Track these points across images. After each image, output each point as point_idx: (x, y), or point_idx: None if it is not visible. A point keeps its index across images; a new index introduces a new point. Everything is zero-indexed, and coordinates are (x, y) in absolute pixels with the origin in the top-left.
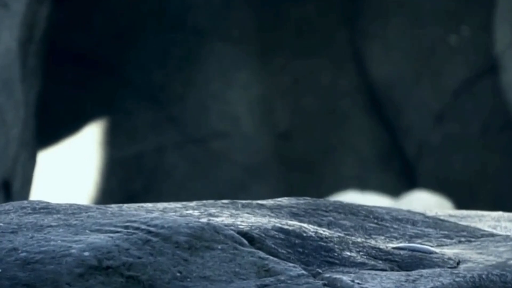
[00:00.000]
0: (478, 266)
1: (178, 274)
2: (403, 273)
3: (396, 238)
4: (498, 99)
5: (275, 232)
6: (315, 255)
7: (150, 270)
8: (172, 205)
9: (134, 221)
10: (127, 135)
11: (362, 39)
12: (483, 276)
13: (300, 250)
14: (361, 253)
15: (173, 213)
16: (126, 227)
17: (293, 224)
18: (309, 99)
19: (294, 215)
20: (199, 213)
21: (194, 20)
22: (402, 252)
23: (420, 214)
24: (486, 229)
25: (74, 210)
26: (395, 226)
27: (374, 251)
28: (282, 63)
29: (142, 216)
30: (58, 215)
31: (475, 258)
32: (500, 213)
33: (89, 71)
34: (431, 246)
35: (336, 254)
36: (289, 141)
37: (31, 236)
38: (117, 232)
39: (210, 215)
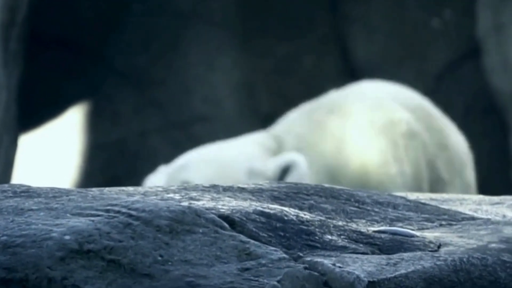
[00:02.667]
0: (459, 250)
1: (159, 258)
2: (384, 256)
3: (377, 222)
4: (481, 82)
5: (256, 216)
6: (296, 238)
7: (131, 254)
8: (153, 188)
9: (115, 205)
10: (110, 119)
11: (345, 23)
12: (464, 259)
13: (281, 233)
14: (342, 236)
15: (154, 197)
16: (107, 211)
17: (274, 207)
18: (292, 83)
19: (275, 199)
20: (180, 197)
21: (177, 4)
22: (383, 235)
23: (401, 197)
24: (467, 212)
25: (55, 193)
26: (376, 210)
27: (355, 235)
28: (265, 46)
29: (123, 200)
30: (39, 199)
31: (456, 241)
32: (481, 196)
33: (71, 55)
34: (412, 230)
35: (317, 237)
36: (272, 125)
37: (12, 220)
38: (98, 215)
39: (191, 198)
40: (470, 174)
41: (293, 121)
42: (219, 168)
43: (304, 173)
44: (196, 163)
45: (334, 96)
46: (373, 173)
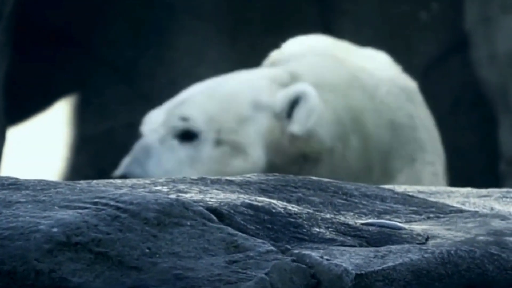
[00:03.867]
0: (446, 242)
1: (147, 250)
2: (372, 249)
3: (365, 214)
4: (468, 75)
5: (244, 208)
6: (284, 231)
7: (119, 246)
8: (141, 181)
9: (103, 197)
10: (98, 111)
11: (332, 15)
12: (452, 252)
13: (269, 226)
14: (330, 229)
15: (142, 189)
16: (95, 203)
17: (262, 200)
18: None
19: (263, 191)
20: (168, 189)
21: None
22: (371, 228)
23: (389, 190)
24: (455, 205)
25: (43, 186)
26: (364, 202)
27: (343, 227)
28: (253, 39)
29: (111, 192)
30: (27, 191)
31: (443, 234)
32: (469, 189)
33: (59, 47)
34: (400, 222)
35: (305, 230)
36: None
37: (0, 212)
38: (86, 208)
39: (179, 191)
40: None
41: (312, 58)
42: (221, 102)
43: (314, 106)
44: (196, 97)
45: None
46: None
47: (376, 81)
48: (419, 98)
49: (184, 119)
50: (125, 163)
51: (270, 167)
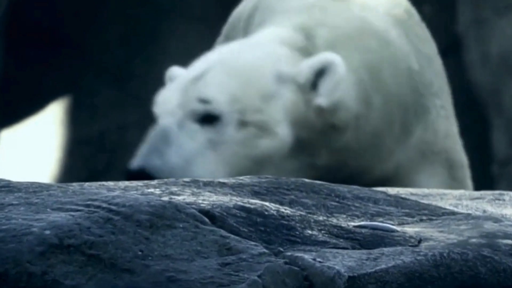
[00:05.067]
0: (439, 245)
1: (140, 253)
2: (365, 251)
3: (358, 217)
4: (461, 77)
5: (237, 211)
6: (276, 233)
7: (111, 249)
8: (134, 183)
9: (95, 200)
10: (89, 113)
11: None
12: (444, 254)
13: (262, 228)
14: (322, 231)
15: (135, 192)
16: (88, 206)
17: (254, 202)
18: None
19: (256, 194)
20: (161, 192)
21: None
22: (363, 230)
23: (381, 192)
24: (448, 207)
25: (35, 188)
26: (357, 205)
27: (335, 230)
28: None
29: (104, 195)
30: (19, 194)
31: (436, 236)
32: (461, 191)
33: (51, 48)
34: (393, 225)
35: (297, 232)
36: None
37: None
38: (78, 210)
39: (172, 193)
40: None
41: (325, 10)
42: (242, 79)
43: (342, 76)
44: (214, 73)
45: None
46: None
47: (384, 22)
48: (420, 28)
49: (204, 101)
50: (143, 152)
51: (298, 143)
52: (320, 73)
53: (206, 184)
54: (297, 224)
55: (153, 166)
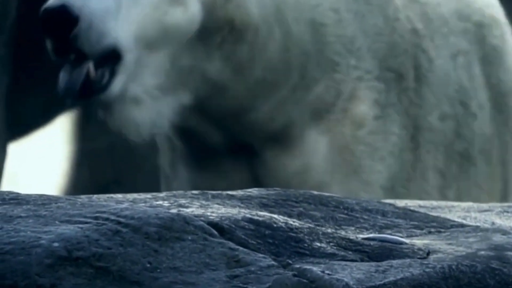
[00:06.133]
0: (448, 257)
1: (148, 265)
2: (373, 263)
3: (366, 229)
4: None
5: (245, 223)
6: (285, 245)
7: (120, 261)
8: (142, 196)
9: (104, 212)
10: (98, 125)
11: None
12: (453, 266)
13: (270, 241)
14: (331, 243)
15: (143, 204)
16: (96, 218)
17: (263, 214)
18: None
19: (264, 206)
20: (169, 204)
21: None
22: (372, 242)
23: (390, 204)
24: (456, 219)
25: (44, 201)
26: (365, 217)
27: (344, 242)
28: None
29: (112, 207)
30: (28, 206)
31: (445, 248)
32: (469, 204)
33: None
34: (401, 237)
35: (306, 244)
36: None
37: (1, 227)
38: (87, 223)
39: (180, 205)
40: None
41: None
42: None
43: None
44: None
45: None
46: None
47: None
48: None
49: None
50: None
51: (202, 29)
52: None
53: (215, 196)
54: (306, 237)
55: (73, 3)
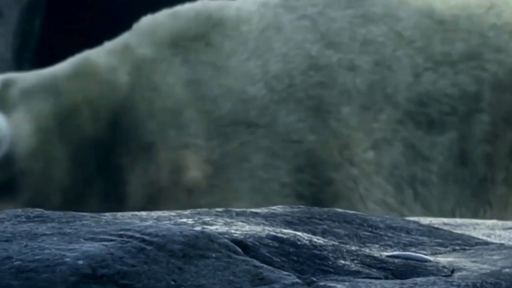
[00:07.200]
0: (472, 275)
1: (173, 283)
2: (398, 281)
3: (391, 246)
4: None
5: (269, 241)
6: (309, 263)
7: (144, 279)
8: (166, 213)
9: (128, 230)
10: None
11: None
12: (478, 284)
13: (295, 258)
14: (355, 261)
15: (167, 222)
16: (120, 236)
17: (287, 232)
18: None
19: (289, 224)
20: (193, 222)
21: None
22: (396, 260)
23: (414, 222)
24: (481, 237)
25: (68, 218)
26: (390, 234)
27: (368, 259)
28: None
29: (136, 225)
30: (53, 224)
31: (469, 266)
32: (494, 221)
33: None
34: (426, 254)
35: (330, 262)
36: None
37: (25, 245)
38: (111, 240)
39: (204, 223)
40: None
41: None
42: None
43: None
44: None
45: None
46: None
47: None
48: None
49: None
50: None
51: None
52: None
53: (239, 214)
54: (330, 254)
55: None
